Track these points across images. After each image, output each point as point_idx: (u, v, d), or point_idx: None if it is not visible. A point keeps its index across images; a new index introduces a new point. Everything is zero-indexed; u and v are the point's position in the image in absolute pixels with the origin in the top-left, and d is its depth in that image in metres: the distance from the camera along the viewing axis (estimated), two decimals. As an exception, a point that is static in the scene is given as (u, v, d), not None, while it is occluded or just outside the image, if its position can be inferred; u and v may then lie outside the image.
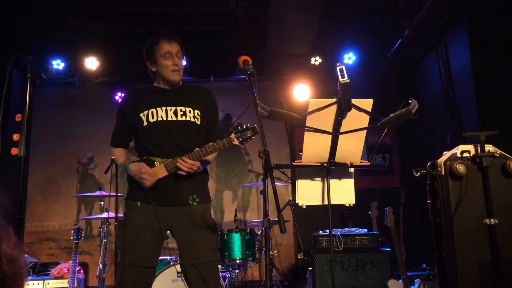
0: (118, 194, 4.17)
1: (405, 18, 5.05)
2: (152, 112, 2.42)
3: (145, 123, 2.42)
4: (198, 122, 2.47)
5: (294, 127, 5.90)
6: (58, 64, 5.59)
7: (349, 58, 5.77)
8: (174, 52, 2.44)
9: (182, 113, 2.44)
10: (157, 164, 2.38)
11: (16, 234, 2.11)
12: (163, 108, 2.43)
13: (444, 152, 2.32)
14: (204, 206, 2.47)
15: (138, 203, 2.39)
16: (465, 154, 2.19)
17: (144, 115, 2.43)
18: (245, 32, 5.43)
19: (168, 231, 2.49)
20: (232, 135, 2.34)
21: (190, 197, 2.39)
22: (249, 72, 2.11)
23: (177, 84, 2.52)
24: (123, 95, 2.53)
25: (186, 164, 2.31)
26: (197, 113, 2.47)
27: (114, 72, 5.77)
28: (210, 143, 2.39)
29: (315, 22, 5.01)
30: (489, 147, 2.19)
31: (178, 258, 2.58)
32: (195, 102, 2.50)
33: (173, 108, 2.44)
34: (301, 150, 2.48)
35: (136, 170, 2.37)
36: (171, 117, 2.42)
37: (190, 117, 2.45)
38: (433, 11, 4.60)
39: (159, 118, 2.41)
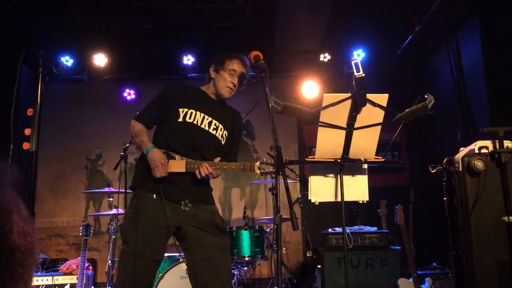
0: (127, 191, 4.15)
1: (416, 15, 4.99)
2: (191, 113, 2.47)
3: (180, 119, 2.45)
4: (223, 143, 2.54)
5: (303, 123, 5.87)
6: (67, 61, 5.60)
7: (358, 55, 5.71)
8: (238, 72, 2.51)
9: (215, 127, 2.51)
10: (177, 158, 2.38)
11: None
12: (202, 114, 2.49)
13: (461, 148, 2.28)
14: (212, 206, 2.51)
15: (153, 196, 2.37)
16: (483, 150, 2.14)
17: (183, 111, 2.46)
18: (254, 28, 5.39)
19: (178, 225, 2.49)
20: (257, 163, 2.40)
21: (183, 202, 2.39)
22: (260, 68, 2.09)
23: (223, 100, 2.58)
24: (166, 86, 2.55)
25: (207, 171, 2.32)
26: (225, 134, 2.55)
27: (122, 69, 5.76)
28: (237, 163, 2.43)
29: (324, 18, 4.96)
30: (507, 143, 2.15)
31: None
32: (228, 123, 2.58)
33: (210, 119, 2.51)
34: (312, 147, 2.45)
35: (159, 158, 2.32)
36: (205, 125, 2.49)
37: (219, 135, 2.52)
38: (445, 7, 4.54)
39: (195, 121, 2.47)
